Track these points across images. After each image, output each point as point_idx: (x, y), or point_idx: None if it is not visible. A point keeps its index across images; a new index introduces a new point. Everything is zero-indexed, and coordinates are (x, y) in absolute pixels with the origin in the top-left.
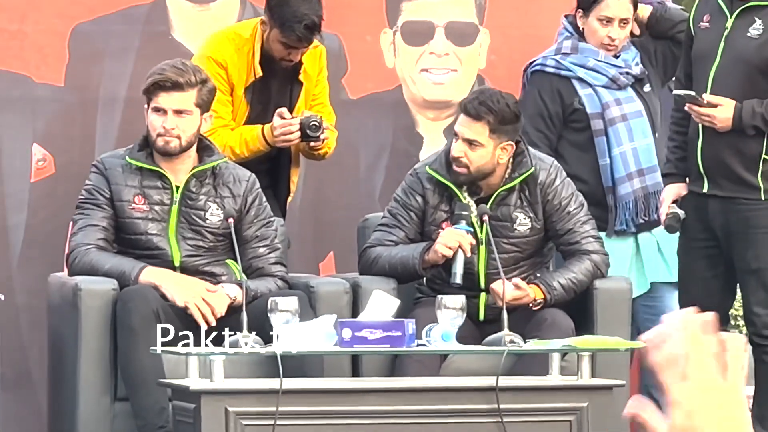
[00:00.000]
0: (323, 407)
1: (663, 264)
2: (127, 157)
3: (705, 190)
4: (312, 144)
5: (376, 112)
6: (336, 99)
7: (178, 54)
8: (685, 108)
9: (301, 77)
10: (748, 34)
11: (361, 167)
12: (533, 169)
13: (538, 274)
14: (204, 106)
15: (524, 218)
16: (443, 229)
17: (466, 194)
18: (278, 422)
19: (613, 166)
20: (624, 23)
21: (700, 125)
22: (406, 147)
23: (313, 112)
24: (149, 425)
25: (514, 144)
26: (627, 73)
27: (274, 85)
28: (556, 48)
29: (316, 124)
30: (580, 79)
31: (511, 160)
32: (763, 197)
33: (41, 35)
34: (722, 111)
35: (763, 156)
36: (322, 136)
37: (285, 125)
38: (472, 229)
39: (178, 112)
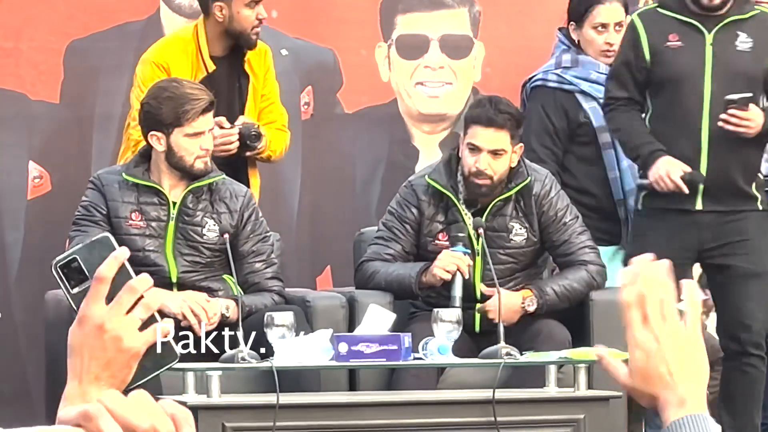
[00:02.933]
0: (320, 422)
1: None
2: (123, 174)
3: (699, 207)
4: (248, 153)
5: (372, 126)
6: (331, 113)
7: None
8: (727, 113)
9: (246, 69)
10: (738, 48)
11: (357, 181)
12: (530, 179)
13: (536, 281)
14: None
15: (520, 228)
16: (439, 239)
17: (463, 205)
18: None
19: (623, 179)
20: (619, 27)
21: (704, 140)
22: (402, 160)
23: (266, 110)
24: None
25: (522, 146)
26: None
27: (222, 82)
28: (556, 62)
29: (256, 134)
30: (584, 93)
31: (507, 171)
32: (760, 207)
33: (36, 52)
34: (756, 115)
35: (760, 169)
36: (259, 146)
37: (225, 135)
38: (469, 251)
39: (210, 130)
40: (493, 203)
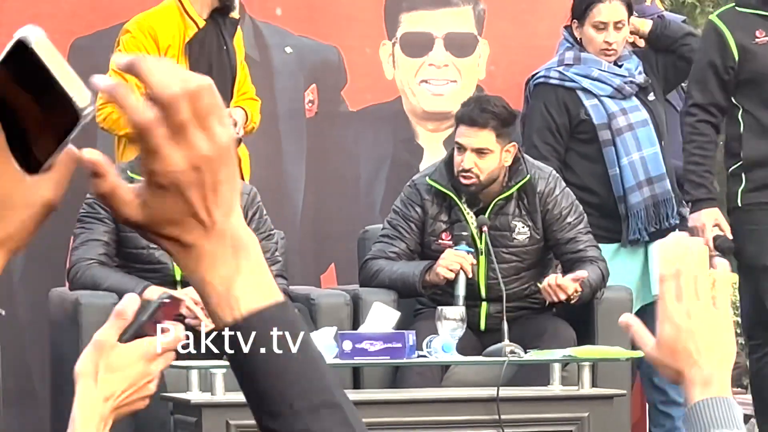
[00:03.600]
0: None
1: None
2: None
3: None
4: None
5: (376, 124)
6: (336, 111)
7: None
8: None
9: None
10: None
11: (361, 179)
12: (529, 176)
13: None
14: None
15: (523, 227)
16: (443, 239)
17: (465, 205)
18: None
19: (623, 176)
20: (619, 26)
21: None
22: (407, 158)
23: (241, 82)
24: None
25: (516, 144)
26: (631, 82)
27: (212, 44)
28: (558, 59)
29: (236, 141)
30: (585, 90)
31: (507, 168)
32: None
33: None
34: None
35: None
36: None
37: None
38: (473, 250)
39: None
40: (494, 202)
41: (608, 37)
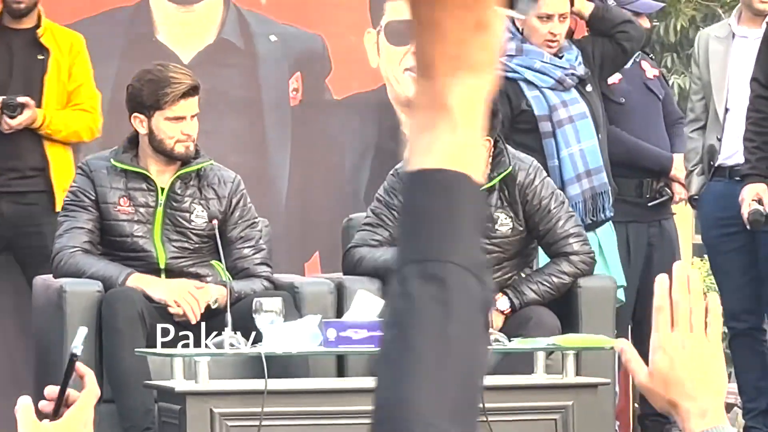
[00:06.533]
0: (309, 407)
1: (603, 264)
2: (112, 160)
3: None
4: (12, 123)
5: (361, 112)
6: (320, 99)
7: (161, 56)
8: None
9: (44, 42)
10: None
11: (346, 167)
12: (511, 168)
13: (514, 281)
14: None
15: (505, 218)
16: None
17: None
18: (264, 423)
19: (563, 168)
20: (563, 18)
21: None
22: (391, 147)
23: (74, 92)
24: (135, 427)
25: (491, 140)
26: (572, 74)
27: (16, 56)
28: None
29: (13, 105)
30: (527, 81)
31: (490, 159)
32: None
33: None
34: None
35: None
36: (19, 117)
37: None
38: None
39: (194, 116)
40: None
41: (553, 29)
